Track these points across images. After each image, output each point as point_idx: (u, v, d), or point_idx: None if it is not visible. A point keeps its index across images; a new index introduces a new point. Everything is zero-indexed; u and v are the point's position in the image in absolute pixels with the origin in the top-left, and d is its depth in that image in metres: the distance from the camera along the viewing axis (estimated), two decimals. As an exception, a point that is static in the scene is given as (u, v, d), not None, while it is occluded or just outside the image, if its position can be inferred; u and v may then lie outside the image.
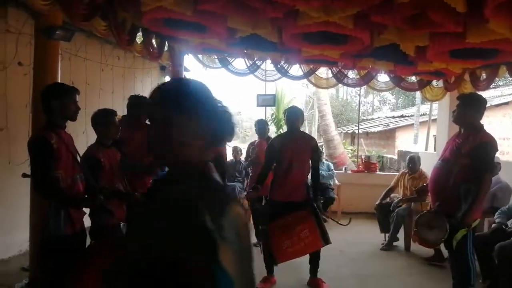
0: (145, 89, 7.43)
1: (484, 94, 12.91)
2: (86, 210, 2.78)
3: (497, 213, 4.43)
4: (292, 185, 3.85)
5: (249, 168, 5.73)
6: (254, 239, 5.20)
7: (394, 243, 5.45)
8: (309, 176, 4.26)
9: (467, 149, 3.20)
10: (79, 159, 2.72)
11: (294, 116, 3.94)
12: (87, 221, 2.89)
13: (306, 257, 3.91)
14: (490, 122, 12.25)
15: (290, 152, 3.86)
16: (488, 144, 3.18)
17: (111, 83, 6.04)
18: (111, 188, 2.96)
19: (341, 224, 3.67)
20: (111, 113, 3.23)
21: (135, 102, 4.02)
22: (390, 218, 5.42)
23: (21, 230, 3.91)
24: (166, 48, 6.09)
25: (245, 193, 6.09)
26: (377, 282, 4.22)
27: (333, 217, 5.04)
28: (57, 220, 2.47)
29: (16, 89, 4.23)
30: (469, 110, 3.32)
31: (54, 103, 2.54)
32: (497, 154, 3.36)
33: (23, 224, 3.76)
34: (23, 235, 3.83)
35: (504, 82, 17.56)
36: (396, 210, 5.34)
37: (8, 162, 4.13)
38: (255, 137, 5.69)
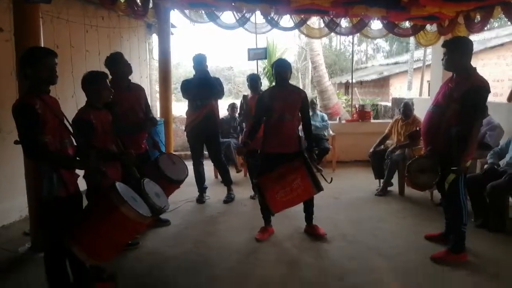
0: (132, 49, 7.27)
1: (479, 36, 12.76)
2: (80, 173, 2.79)
3: (489, 154, 4.50)
4: (283, 137, 3.86)
5: (243, 124, 5.72)
6: (251, 192, 5.32)
7: (389, 188, 5.56)
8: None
9: (459, 93, 3.19)
10: (67, 123, 2.69)
11: (281, 68, 3.90)
12: (82, 184, 2.92)
13: (302, 206, 3.99)
14: (485, 65, 12.15)
15: (280, 103, 3.84)
16: (479, 88, 3.17)
17: (96, 44, 5.88)
18: (104, 150, 2.97)
19: (326, 180, 3.71)
20: (102, 76, 3.17)
21: (112, 60, 3.94)
22: (385, 165, 5.51)
23: (20, 195, 3.94)
24: (151, 5, 5.91)
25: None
26: (372, 225, 4.34)
27: (321, 172, 5.09)
28: (50, 183, 2.48)
29: (-1, 56, 4.12)
30: (456, 54, 3.28)
31: (27, 69, 2.48)
32: (490, 96, 3.35)
33: (21, 190, 3.78)
34: (22, 200, 3.88)
35: (499, 23, 17.22)
36: (390, 156, 5.41)
37: (-1, 131, 4.11)
38: (248, 92, 5.64)
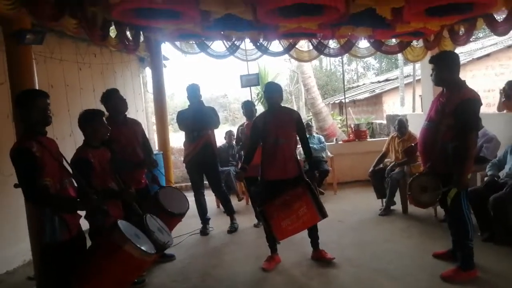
0: (126, 83, 7.33)
1: (465, 48, 13.00)
2: (82, 213, 2.75)
3: (488, 166, 4.49)
4: (281, 162, 3.83)
5: (242, 152, 5.72)
6: (255, 220, 5.25)
7: (392, 207, 5.52)
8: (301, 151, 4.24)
9: (451, 108, 3.22)
10: (65, 164, 2.67)
11: (271, 93, 3.91)
12: (85, 224, 2.87)
13: (306, 231, 3.94)
14: (474, 76, 12.33)
15: (274, 127, 3.83)
16: (470, 101, 3.18)
17: (90, 81, 5.93)
18: (104, 188, 2.95)
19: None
20: (98, 113, 3.17)
21: (108, 96, 3.97)
22: (385, 183, 5.48)
23: (23, 240, 3.89)
24: (142, 39, 5.99)
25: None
26: (378, 246, 4.28)
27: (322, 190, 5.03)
28: (52, 227, 2.45)
29: (-5, 100, 4.14)
30: (443, 69, 3.32)
31: (22, 111, 2.48)
32: (483, 108, 3.38)
33: (24, 234, 3.74)
34: (25, 245, 3.83)
35: (483, 34, 17.58)
36: (390, 175, 5.39)
37: (-2, 175, 4.07)
38: (244, 119, 5.66)
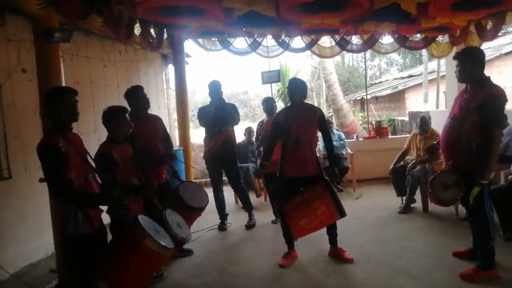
0: (150, 80, 7.46)
1: (492, 43, 12.63)
2: (104, 207, 2.84)
3: (512, 164, 4.40)
4: (302, 159, 3.83)
5: (261, 148, 5.75)
6: (272, 217, 5.29)
7: (412, 205, 5.46)
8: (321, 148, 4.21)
9: (475, 104, 3.16)
10: (89, 159, 2.76)
11: (295, 89, 3.90)
12: (106, 218, 2.97)
13: (325, 228, 3.94)
14: (501, 72, 11.97)
15: (296, 125, 3.82)
16: (495, 98, 3.13)
17: (115, 78, 6.06)
18: (126, 184, 3.03)
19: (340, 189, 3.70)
20: (122, 110, 3.25)
21: (132, 93, 4.07)
22: (406, 181, 5.43)
23: (46, 233, 4.02)
24: (165, 37, 6.08)
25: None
26: (397, 244, 4.26)
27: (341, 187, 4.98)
28: (75, 220, 2.53)
29: (23, 97, 4.29)
30: (468, 66, 3.27)
31: (52, 108, 2.57)
32: (510, 104, 3.30)
33: (47, 227, 3.87)
34: (49, 237, 3.95)
35: (513, 28, 17.01)
36: (410, 172, 5.33)
37: (24, 169, 4.22)
38: (264, 116, 5.68)
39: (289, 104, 4.04)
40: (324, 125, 3.98)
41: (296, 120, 3.84)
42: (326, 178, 3.81)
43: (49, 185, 2.54)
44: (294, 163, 3.86)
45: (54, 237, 3.82)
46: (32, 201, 4.31)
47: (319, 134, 4.11)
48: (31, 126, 4.25)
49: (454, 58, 3.43)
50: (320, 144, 6.20)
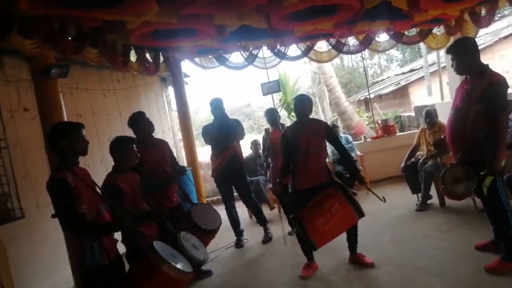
0: (151, 104, 7.50)
1: (490, 28, 12.57)
2: (119, 237, 2.82)
3: (525, 149, 4.30)
4: (313, 171, 3.81)
5: (269, 159, 5.72)
6: (288, 228, 5.22)
7: (428, 202, 5.37)
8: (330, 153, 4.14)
9: (477, 93, 3.13)
10: (98, 190, 2.75)
11: (301, 105, 3.92)
12: (122, 248, 2.95)
13: (344, 235, 3.86)
14: (502, 56, 11.85)
15: (304, 138, 3.81)
16: (496, 85, 3.09)
17: (116, 106, 6.10)
18: (135, 211, 3.01)
19: (381, 199, 3.63)
20: (129, 141, 3.25)
21: (134, 120, 4.08)
22: (419, 178, 5.34)
23: (65, 268, 4.01)
24: (161, 60, 6.13)
25: (270, 185, 6.12)
26: (417, 243, 4.18)
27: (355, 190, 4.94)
28: (92, 253, 2.51)
29: (28, 135, 4.32)
30: (463, 58, 3.25)
31: (62, 142, 2.58)
32: (512, 88, 3.26)
33: (65, 262, 3.87)
34: (67, 272, 3.95)
35: (510, 10, 16.90)
36: (423, 168, 5.25)
37: (36, 207, 4.23)
38: (268, 127, 5.65)
39: (295, 121, 4.04)
40: (332, 135, 3.98)
41: (304, 134, 3.84)
42: (338, 181, 3.75)
43: (61, 220, 2.53)
44: (306, 175, 3.83)
45: (73, 271, 3.81)
46: (47, 237, 4.30)
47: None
48: (38, 164, 4.28)
49: (447, 52, 3.41)
50: (328, 149, 6.14)
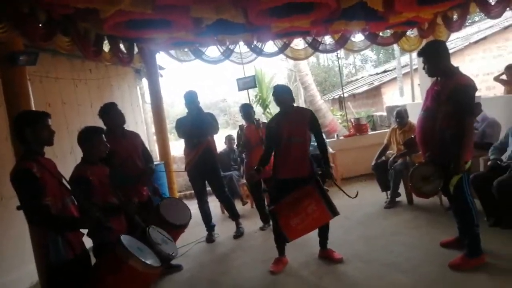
0: (124, 96, 7.35)
1: (461, 33, 12.90)
2: (84, 231, 2.76)
3: (490, 150, 4.46)
4: (295, 161, 3.81)
5: (243, 155, 5.71)
6: (260, 224, 5.24)
7: (397, 199, 5.50)
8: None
9: (446, 95, 3.22)
10: (65, 182, 2.68)
11: (280, 94, 3.90)
12: (88, 242, 2.88)
13: (315, 230, 3.89)
14: (472, 60, 12.26)
15: (287, 127, 3.81)
16: (463, 87, 3.19)
17: (88, 97, 5.95)
18: (104, 204, 2.95)
19: (350, 197, 3.68)
20: (98, 131, 3.15)
21: (105, 111, 3.98)
22: (389, 176, 5.46)
23: (29, 262, 3.88)
24: (136, 51, 6.01)
25: (243, 180, 6.11)
26: (386, 240, 4.27)
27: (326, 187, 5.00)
28: (56, 247, 2.45)
29: (-8, 123, 4.16)
30: (433, 60, 3.34)
31: (26, 131, 2.49)
32: (483, 91, 3.37)
33: (29, 256, 3.74)
34: (31, 267, 3.82)
35: (479, 17, 17.46)
36: (392, 167, 5.37)
37: (0, 199, 4.09)
38: (243, 122, 5.64)
39: (279, 111, 4.03)
40: (315, 126, 3.95)
41: (287, 123, 3.83)
42: (317, 178, 3.78)
43: (25, 212, 2.45)
44: (288, 164, 3.83)
45: (37, 265, 3.69)
46: (10, 230, 4.16)
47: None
48: (3, 154, 4.12)
49: (419, 55, 3.50)
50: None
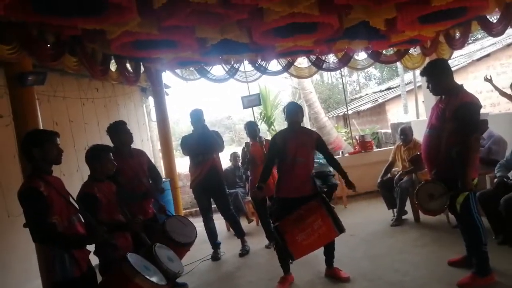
0: (130, 114, 7.42)
1: (464, 50, 12.97)
2: (91, 249, 2.76)
3: (496, 167, 4.44)
4: (298, 180, 3.81)
5: (248, 172, 5.71)
6: (266, 241, 5.21)
7: (403, 217, 5.46)
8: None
9: (450, 113, 3.23)
10: (72, 200, 2.69)
11: (292, 112, 3.93)
12: (95, 260, 2.88)
13: (321, 248, 3.87)
14: (476, 77, 12.28)
15: (293, 146, 3.81)
16: (468, 105, 3.20)
17: (94, 115, 6.01)
18: (111, 221, 2.96)
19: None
20: (106, 149, 3.20)
21: (114, 129, 4.01)
22: (395, 193, 5.43)
23: (35, 278, 3.87)
24: (142, 70, 6.10)
25: (249, 198, 6.10)
26: (392, 258, 4.23)
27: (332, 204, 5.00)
28: (62, 264, 2.45)
29: (1, 142, 4.20)
30: (436, 79, 3.37)
31: (35, 150, 2.52)
32: (488, 107, 3.38)
33: (35, 273, 3.74)
34: (38, 283, 3.81)
35: (482, 34, 17.59)
36: (398, 184, 5.35)
37: (7, 216, 4.10)
38: (248, 140, 5.66)
39: (286, 127, 4.05)
40: (322, 147, 3.99)
41: (295, 142, 3.84)
42: (323, 195, 3.77)
43: (31, 230, 2.46)
44: (291, 184, 3.83)
45: (43, 282, 3.68)
46: (17, 247, 4.16)
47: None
48: (11, 172, 4.15)
49: (421, 74, 3.52)
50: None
